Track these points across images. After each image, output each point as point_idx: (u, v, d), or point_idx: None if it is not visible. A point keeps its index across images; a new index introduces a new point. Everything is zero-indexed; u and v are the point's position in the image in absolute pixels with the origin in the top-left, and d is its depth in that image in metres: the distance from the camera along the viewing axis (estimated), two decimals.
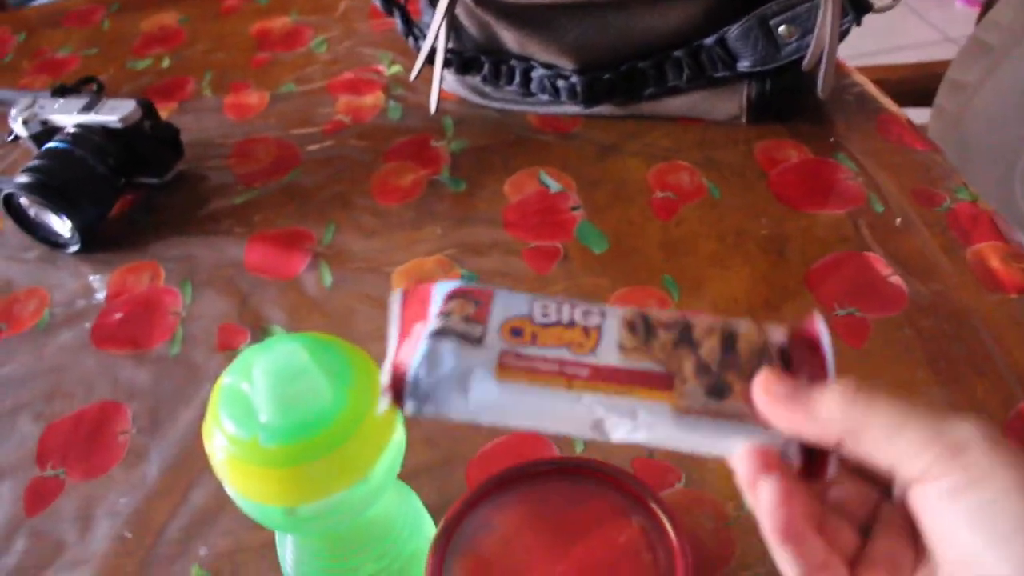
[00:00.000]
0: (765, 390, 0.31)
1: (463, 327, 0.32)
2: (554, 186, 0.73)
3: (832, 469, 0.31)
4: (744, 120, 0.77)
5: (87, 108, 0.74)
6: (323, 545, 0.44)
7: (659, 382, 0.31)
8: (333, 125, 0.84)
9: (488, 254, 0.68)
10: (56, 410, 0.61)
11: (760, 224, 0.68)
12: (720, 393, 0.31)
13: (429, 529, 0.48)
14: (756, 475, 0.31)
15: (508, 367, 0.31)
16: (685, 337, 0.33)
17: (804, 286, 0.63)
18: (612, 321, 0.33)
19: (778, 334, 0.34)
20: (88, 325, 0.67)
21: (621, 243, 0.68)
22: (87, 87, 0.84)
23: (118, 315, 0.67)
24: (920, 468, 0.29)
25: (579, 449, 0.54)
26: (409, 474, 0.52)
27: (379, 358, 0.59)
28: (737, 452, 0.31)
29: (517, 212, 0.71)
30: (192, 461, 0.56)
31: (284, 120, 0.85)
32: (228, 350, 0.63)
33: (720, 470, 0.52)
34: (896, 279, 0.62)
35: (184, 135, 0.80)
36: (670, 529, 0.42)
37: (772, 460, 0.31)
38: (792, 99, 0.76)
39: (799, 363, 0.33)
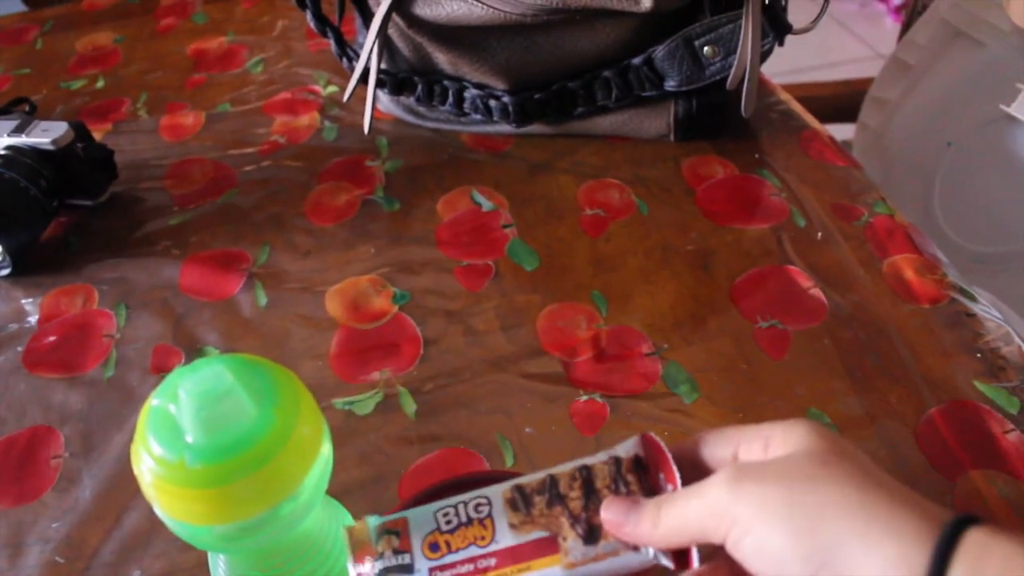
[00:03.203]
0: (606, 520, 0.38)
1: (395, 561, 0.39)
2: (486, 204, 0.75)
3: (695, 560, 0.37)
4: (672, 137, 0.79)
5: (18, 130, 0.73)
6: (254, 563, 0.44)
7: (547, 547, 0.38)
8: (269, 146, 0.84)
9: (421, 273, 0.69)
10: None
11: (687, 239, 0.70)
12: (593, 538, 0.38)
13: None
14: None
15: None
16: (554, 495, 0.39)
17: (729, 299, 0.65)
18: (497, 505, 0.40)
19: (630, 447, 0.40)
20: (20, 349, 0.66)
21: (552, 260, 0.69)
22: (19, 108, 0.83)
23: (51, 338, 0.67)
24: (716, 539, 0.35)
25: (509, 463, 0.55)
26: (341, 491, 0.53)
27: (312, 377, 0.60)
28: None
29: (450, 231, 0.73)
30: (125, 484, 0.56)
31: (220, 141, 0.86)
32: (163, 372, 0.63)
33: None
34: (816, 291, 0.65)
35: (119, 156, 0.79)
36: None
37: None
38: (718, 117, 0.78)
39: (653, 465, 0.40)
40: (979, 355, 0.60)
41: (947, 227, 0.94)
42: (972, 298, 0.63)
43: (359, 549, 0.40)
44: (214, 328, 0.66)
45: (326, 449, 0.41)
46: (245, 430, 0.37)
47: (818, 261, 0.67)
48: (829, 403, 0.57)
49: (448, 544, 0.39)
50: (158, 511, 0.38)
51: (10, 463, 0.59)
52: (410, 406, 0.59)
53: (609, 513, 0.38)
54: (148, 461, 0.37)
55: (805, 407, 0.57)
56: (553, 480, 0.40)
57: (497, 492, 0.40)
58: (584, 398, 0.59)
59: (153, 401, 0.38)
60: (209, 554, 0.48)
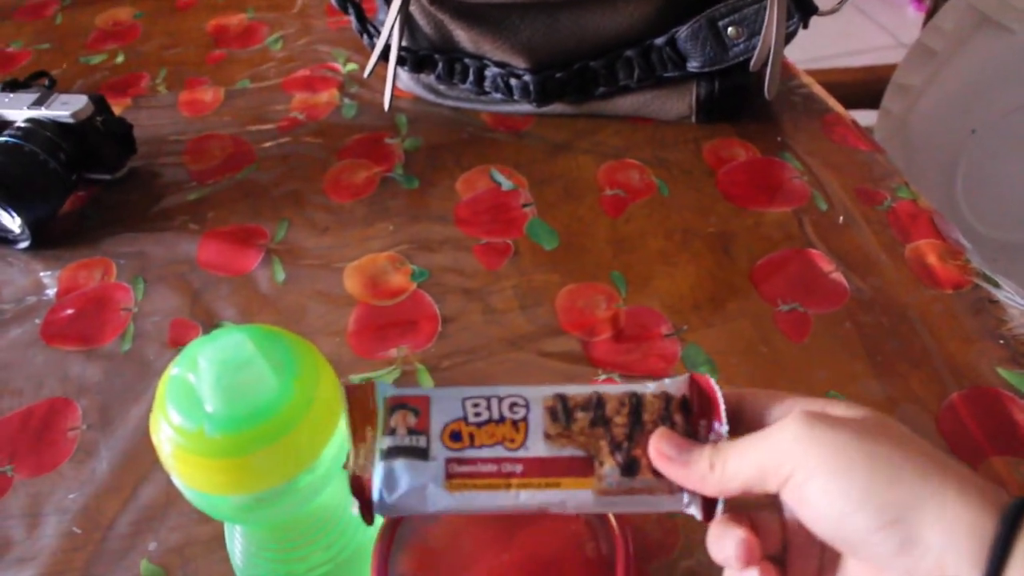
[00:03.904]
0: (656, 451, 0.36)
1: (409, 441, 0.36)
2: (506, 184, 0.74)
3: (719, 511, 0.36)
4: (693, 119, 0.78)
5: (38, 103, 0.73)
6: (271, 536, 0.44)
7: (581, 467, 0.36)
8: (288, 122, 0.84)
9: (439, 250, 0.69)
10: (4, 407, 0.61)
11: (707, 222, 0.69)
12: (631, 470, 0.36)
13: (377, 520, 0.48)
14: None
15: (455, 477, 0.35)
16: (599, 416, 0.37)
17: (749, 282, 0.64)
18: (536, 410, 0.37)
19: (680, 385, 0.38)
20: (38, 321, 0.66)
21: (571, 240, 0.69)
22: (38, 82, 0.83)
23: (69, 311, 0.67)
24: (774, 483, 0.34)
25: None
26: None
27: (330, 353, 0.60)
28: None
29: (469, 209, 0.72)
30: (142, 456, 0.56)
31: (239, 117, 0.85)
32: (180, 346, 0.63)
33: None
34: (837, 275, 0.64)
35: (138, 131, 0.79)
36: (612, 519, 0.43)
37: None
38: (740, 99, 0.77)
39: (699, 409, 0.37)
40: (1002, 341, 0.59)
41: (969, 215, 0.93)
42: (996, 284, 0.63)
43: (361, 416, 0.37)
44: (231, 303, 0.66)
45: (346, 423, 0.40)
46: (265, 400, 0.37)
47: (840, 245, 0.67)
48: (849, 387, 0.57)
49: (472, 437, 0.36)
50: (176, 480, 0.38)
51: (28, 434, 0.59)
52: (427, 383, 0.59)
53: (663, 444, 0.36)
54: (167, 430, 0.37)
55: (825, 390, 0.57)
56: (600, 400, 0.37)
57: (538, 396, 0.37)
58: (602, 377, 0.58)
59: (173, 370, 0.38)
60: (225, 526, 0.48)
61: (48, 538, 0.53)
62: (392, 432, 0.36)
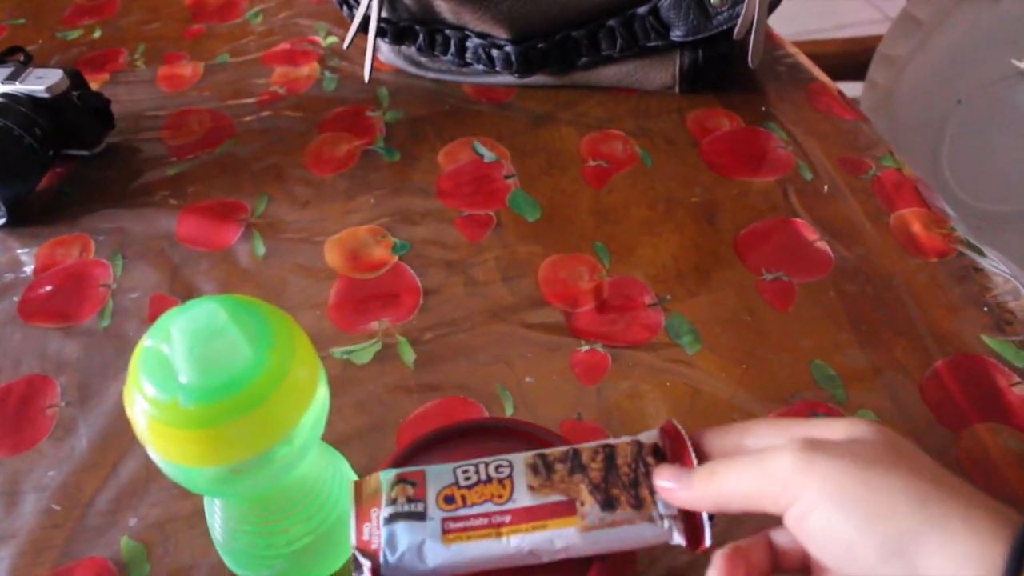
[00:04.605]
0: (660, 487, 0.38)
1: (409, 508, 0.39)
2: (488, 155, 0.74)
3: (707, 539, 0.37)
4: (677, 89, 0.78)
5: (12, 77, 0.72)
6: (251, 509, 0.44)
7: (564, 509, 0.38)
8: (268, 96, 0.83)
9: (421, 223, 0.68)
10: None
11: (691, 192, 0.69)
12: (611, 506, 0.38)
13: None
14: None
15: (450, 532, 0.38)
16: (576, 464, 0.40)
17: (733, 252, 0.64)
18: (519, 468, 0.40)
19: (652, 436, 0.41)
20: (16, 299, 0.66)
21: (554, 211, 0.68)
22: (13, 57, 0.82)
23: (47, 288, 0.66)
24: (773, 508, 0.34)
25: (509, 412, 0.54)
26: (340, 439, 0.53)
27: (311, 327, 0.60)
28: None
29: (451, 181, 0.72)
30: (121, 433, 0.56)
31: (218, 91, 0.84)
32: None
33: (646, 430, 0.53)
34: (822, 244, 0.64)
35: (116, 107, 0.78)
36: None
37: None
38: (724, 69, 0.77)
39: (672, 453, 0.40)
40: (986, 309, 0.59)
41: (955, 185, 0.93)
42: (980, 252, 0.63)
43: (367, 502, 0.40)
44: (211, 278, 0.65)
45: (322, 392, 0.40)
46: (239, 370, 0.36)
47: (824, 214, 0.66)
48: (834, 355, 0.56)
49: (464, 499, 0.39)
50: (152, 453, 0.38)
51: (6, 412, 0.58)
52: (409, 356, 0.59)
53: (663, 479, 0.38)
54: (141, 402, 0.36)
55: (810, 359, 0.56)
56: (576, 452, 0.40)
57: (519, 457, 0.40)
58: (585, 348, 0.58)
59: (146, 342, 0.38)
60: (205, 501, 0.47)
61: (27, 516, 0.52)
62: (393, 502, 0.39)
